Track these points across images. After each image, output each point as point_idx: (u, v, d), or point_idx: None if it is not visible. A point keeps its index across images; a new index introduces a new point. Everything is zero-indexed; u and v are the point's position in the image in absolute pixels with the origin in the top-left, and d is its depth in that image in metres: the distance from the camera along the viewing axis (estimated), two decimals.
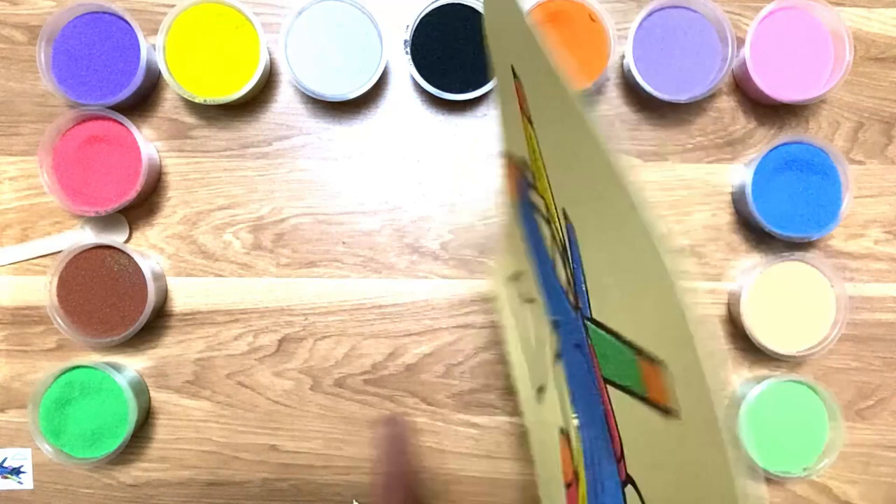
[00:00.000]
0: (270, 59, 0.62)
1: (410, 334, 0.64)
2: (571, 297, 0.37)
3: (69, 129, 0.60)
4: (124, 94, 0.59)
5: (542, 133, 0.34)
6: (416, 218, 0.64)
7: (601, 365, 0.34)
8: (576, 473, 0.43)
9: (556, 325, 0.43)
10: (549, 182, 0.36)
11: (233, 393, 0.63)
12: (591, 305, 0.34)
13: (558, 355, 0.43)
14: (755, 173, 0.60)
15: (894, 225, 0.64)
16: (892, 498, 0.64)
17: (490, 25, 0.38)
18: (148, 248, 0.63)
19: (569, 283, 0.37)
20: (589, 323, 0.35)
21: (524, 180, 0.41)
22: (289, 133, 0.64)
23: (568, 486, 0.45)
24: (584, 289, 0.34)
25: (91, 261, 0.60)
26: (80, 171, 0.60)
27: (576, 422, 0.41)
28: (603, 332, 0.33)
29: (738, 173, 0.64)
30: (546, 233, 0.40)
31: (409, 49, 0.59)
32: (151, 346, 0.63)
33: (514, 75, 0.36)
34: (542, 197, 0.38)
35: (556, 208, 0.36)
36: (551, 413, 0.47)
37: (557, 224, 0.36)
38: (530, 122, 0.36)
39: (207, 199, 0.63)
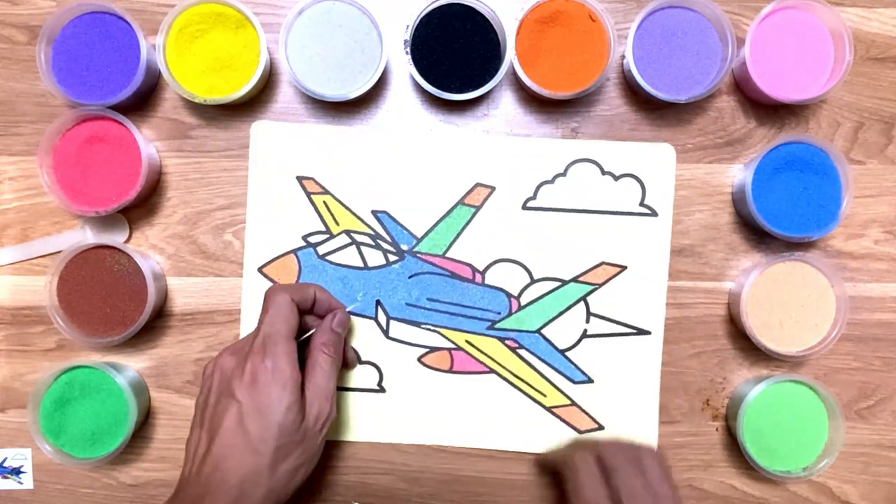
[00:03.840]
0: (270, 59, 0.62)
1: None
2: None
3: (69, 129, 0.60)
4: (124, 94, 0.59)
5: None
6: None
7: None
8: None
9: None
10: None
11: None
12: None
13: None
14: (755, 173, 0.60)
15: (894, 225, 0.64)
16: (892, 498, 0.64)
17: None
18: (148, 248, 0.63)
19: None
20: None
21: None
22: None
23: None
24: None
25: (91, 261, 0.60)
26: (80, 171, 0.60)
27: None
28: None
29: (738, 173, 0.64)
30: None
31: (409, 49, 0.59)
32: (151, 346, 0.63)
33: None
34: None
35: None
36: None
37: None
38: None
39: (207, 199, 0.63)
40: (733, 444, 0.63)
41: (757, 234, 0.64)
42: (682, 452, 0.64)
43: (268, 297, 0.55)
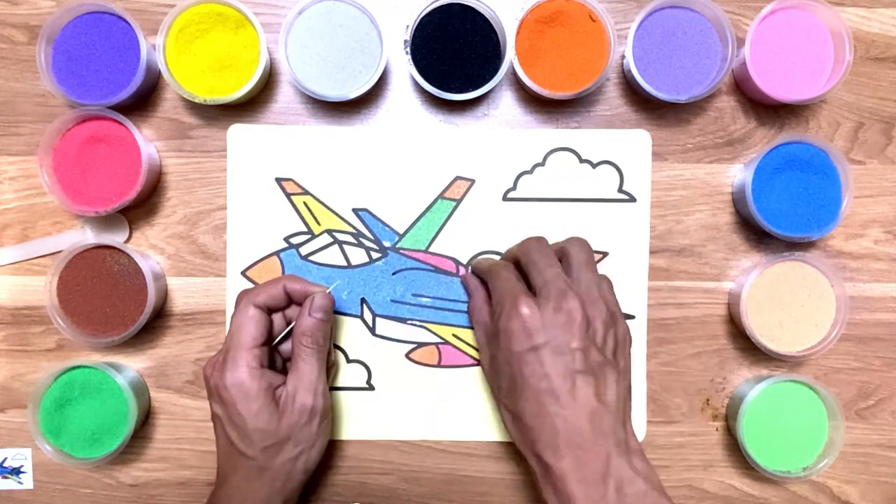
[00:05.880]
0: (270, 59, 0.62)
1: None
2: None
3: (69, 129, 0.60)
4: (124, 94, 0.59)
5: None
6: None
7: None
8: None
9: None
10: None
11: None
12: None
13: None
14: (755, 173, 0.60)
15: (894, 225, 0.64)
16: (892, 498, 0.64)
17: None
18: (148, 248, 0.63)
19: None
20: None
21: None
22: None
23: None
24: None
25: (91, 261, 0.60)
26: (80, 171, 0.60)
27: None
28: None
29: (738, 173, 0.64)
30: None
31: (409, 49, 0.59)
32: (151, 346, 0.63)
33: None
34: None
35: None
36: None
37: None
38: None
39: (207, 199, 0.63)
40: (733, 444, 0.63)
41: (757, 234, 0.64)
42: (682, 452, 0.64)
43: (236, 303, 0.56)
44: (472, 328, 0.63)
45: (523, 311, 0.52)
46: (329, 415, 0.57)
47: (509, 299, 0.53)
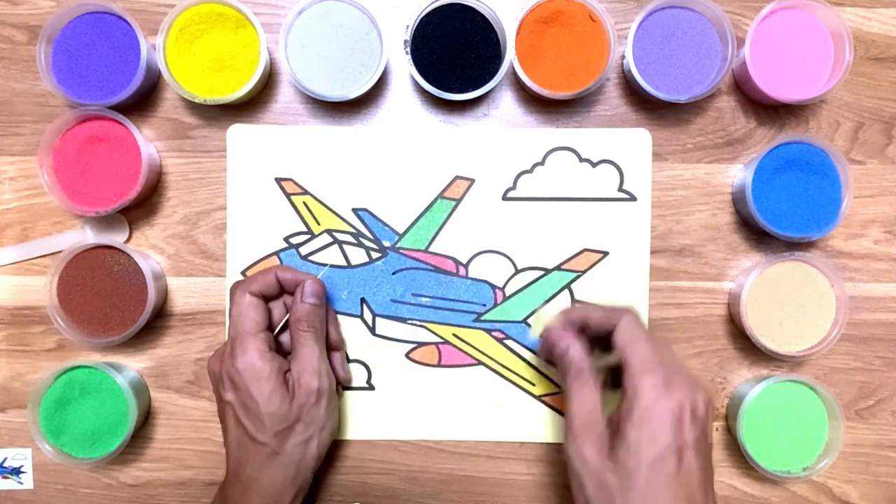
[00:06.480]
0: (270, 59, 0.62)
1: None
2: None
3: (69, 129, 0.60)
4: (124, 94, 0.59)
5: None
6: None
7: None
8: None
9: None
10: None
11: None
12: None
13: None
14: (755, 173, 0.60)
15: (894, 225, 0.64)
16: (892, 498, 0.64)
17: None
18: (148, 248, 0.63)
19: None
20: None
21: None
22: None
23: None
24: None
25: (91, 261, 0.60)
26: (80, 171, 0.60)
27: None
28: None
29: (738, 173, 0.64)
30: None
31: (409, 49, 0.59)
32: (151, 346, 0.64)
33: None
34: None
35: None
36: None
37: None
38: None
39: (207, 199, 0.63)
40: (733, 444, 0.63)
41: (757, 234, 0.64)
42: None
43: (230, 295, 0.58)
44: (477, 328, 0.63)
45: (675, 401, 0.48)
46: (335, 396, 0.58)
47: (650, 382, 0.48)
